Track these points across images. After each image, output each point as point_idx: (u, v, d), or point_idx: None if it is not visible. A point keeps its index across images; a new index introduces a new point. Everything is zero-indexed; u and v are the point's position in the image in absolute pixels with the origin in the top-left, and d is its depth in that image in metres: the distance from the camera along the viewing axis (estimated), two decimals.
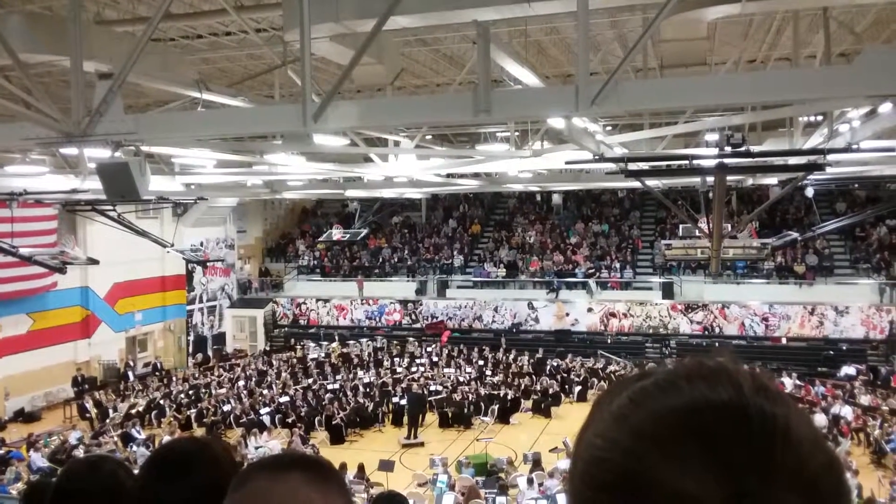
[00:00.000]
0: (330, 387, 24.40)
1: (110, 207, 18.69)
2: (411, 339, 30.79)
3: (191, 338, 31.10)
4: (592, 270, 31.44)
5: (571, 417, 22.26)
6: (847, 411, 20.44)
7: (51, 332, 25.31)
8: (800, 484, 0.69)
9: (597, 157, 13.58)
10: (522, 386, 24.58)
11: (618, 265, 31.48)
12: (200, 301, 31.83)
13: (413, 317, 32.47)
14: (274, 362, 28.64)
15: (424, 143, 18.15)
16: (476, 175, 22.98)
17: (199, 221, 30.11)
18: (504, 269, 32.64)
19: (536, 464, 17.10)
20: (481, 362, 27.30)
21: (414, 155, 17.47)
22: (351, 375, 26.19)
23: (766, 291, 28.85)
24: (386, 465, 16.96)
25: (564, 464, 16.30)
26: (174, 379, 26.26)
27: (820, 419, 19.24)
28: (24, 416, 23.73)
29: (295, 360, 28.67)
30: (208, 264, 28.74)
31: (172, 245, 22.50)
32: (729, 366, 0.76)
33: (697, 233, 18.01)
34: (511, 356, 28.03)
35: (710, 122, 14.11)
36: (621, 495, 0.71)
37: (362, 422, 22.00)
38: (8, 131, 9.05)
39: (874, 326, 27.20)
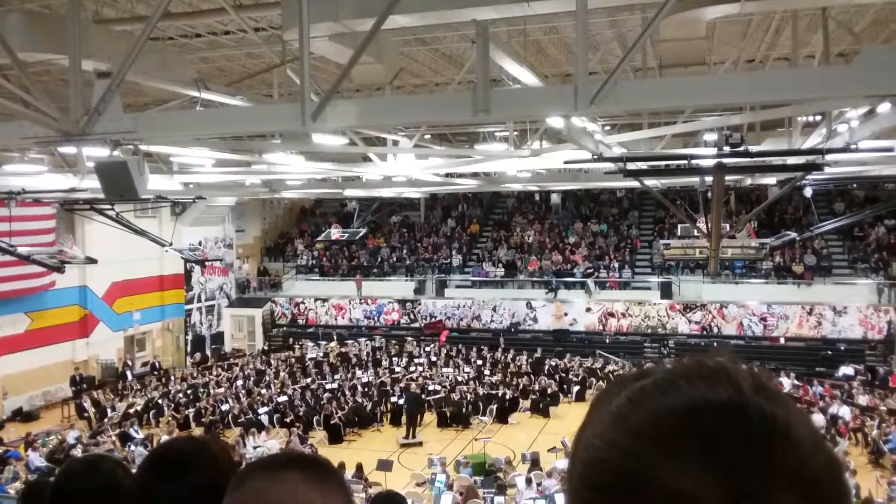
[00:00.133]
0: (328, 386, 24.39)
1: (109, 206, 18.69)
2: (410, 338, 30.78)
3: (189, 337, 31.08)
4: (591, 270, 31.45)
5: (570, 417, 22.27)
6: (845, 411, 20.47)
7: (49, 332, 25.29)
8: (800, 484, 0.68)
9: (595, 157, 13.59)
10: (521, 386, 24.59)
11: (616, 265, 31.50)
12: (199, 300, 31.81)
13: (411, 316, 32.46)
14: (272, 362, 28.62)
15: (423, 143, 18.14)
16: (475, 174, 22.98)
17: (197, 221, 30.09)
18: (503, 269, 32.64)
19: (535, 463, 17.10)
20: (480, 362, 27.31)
21: (413, 154, 17.47)
22: (349, 375, 26.18)
23: (765, 291, 28.87)
24: (384, 465, 16.96)
25: (563, 463, 16.30)
26: (172, 378, 26.24)
27: (818, 419, 19.26)
28: (22, 416, 23.70)
29: (293, 360, 28.67)
30: (207, 264, 28.77)
31: (171, 244, 22.49)
32: (728, 365, 0.75)
33: (696, 232, 18.03)
34: (509, 356, 28.03)
35: (709, 121, 14.12)
36: (620, 496, 0.70)
37: (361, 421, 22.00)
38: (6, 130, 9.04)
39: (872, 326, 27.23)
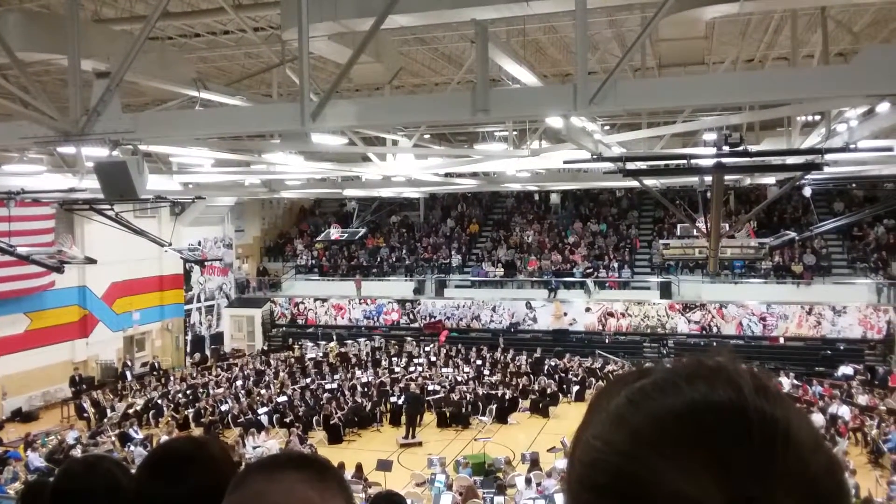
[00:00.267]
0: (328, 386, 24.38)
1: (108, 206, 18.68)
2: (409, 338, 30.77)
3: (188, 337, 31.07)
4: (590, 270, 31.45)
5: (569, 417, 22.27)
6: (844, 411, 20.46)
7: (48, 332, 25.28)
8: (800, 486, 0.68)
9: (595, 157, 13.59)
10: (520, 385, 24.59)
11: (616, 265, 31.50)
12: (198, 300, 31.79)
13: (411, 316, 32.46)
14: (272, 362, 28.62)
15: (422, 143, 18.14)
16: (474, 174, 22.98)
17: (196, 221, 30.07)
18: (502, 269, 32.64)
19: (534, 463, 17.10)
20: (479, 362, 27.30)
21: (412, 154, 17.47)
22: (349, 375, 26.18)
23: (764, 291, 28.88)
24: (384, 465, 16.95)
25: (562, 463, 16.30)
26: (172, 378, 26.23)
27: (817, 419, 19.26)
28: (21, 416, 23.69)
29: (293, 360, 28.67)
30: (206, 264, 28.76)
31: (170, 244, 22.47)
32: (728, 365, 0.75)
33: (695, 232, 18.04)
34: (509, 356, 28.03)
35: (708, 121, 14.12)
36: (619, 499, 0.70)
37: (360, 421, 21.99)
38: (5, 130, 9.03)
39: (872, 326, 27.23)
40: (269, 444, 19.15)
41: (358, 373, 26.44)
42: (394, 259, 34.80)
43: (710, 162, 12.40)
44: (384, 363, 27.73)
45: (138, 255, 26.54)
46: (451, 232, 35.69)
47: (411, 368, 26.93)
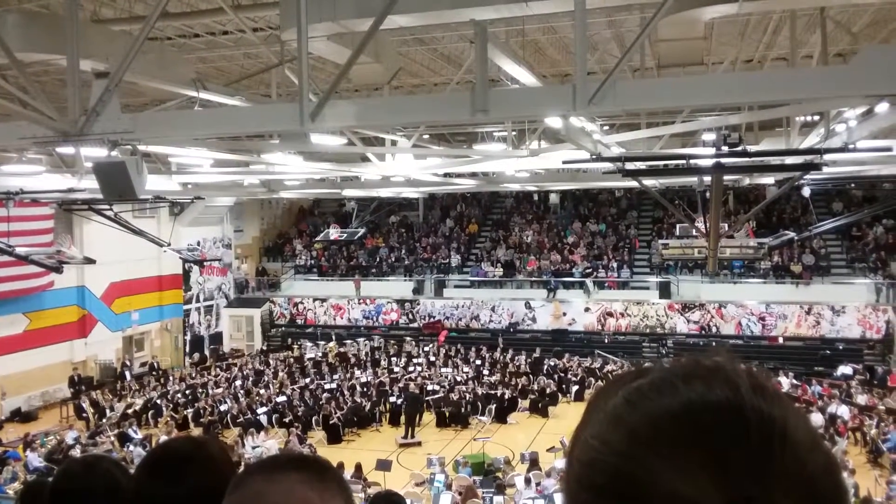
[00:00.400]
0: (327, 386, 24.37)
1: (107, 207, 18.66)
2: (408, 338, 30.77)
3: (188, 337, 31.05)
4: (590, 270, 31.46)
5: (569, 417, 22.28)
6: (844, 411, 20.47)
7: (47, 332, 25.26)
8: (798, 486, 0.68)
9: (594, 157, 13.59)
10: (520, 385, 24.59)
11: (615, 265, 31.51)
12: (197, 300, 31.78)
13: (410, 316, 32.46)
14: (271, 362, 28.61)
15: (421, 143, 18.14)
16: (473, 174, 22.99)
17: (195, 221, 30.06)
18: (501, 269, 32.64)
19: (534, 463, 17.10)
20: (478, 362, 27.30)
21: (411, 154, 17.47)
22: (348, 375, 26.17)
23: (763, 291, 28.89)
24: (383, 465, 16.95)
25: (561, 463, 16.29)
26: (171, 378, 26.21)
27: (817, 419, 19.27)
28: (20, 416, 23.68)
29: (292, 360, 28.66)
30: (205, 264, 28.74)
31: (169, 244, 22.44)
32: (726, 365, 0.75)
33: (694, 232, 18.05)
34: (508, 356, 28.03)
35: (707, 121, 14.13)
36: (617, 499, 0.70)
37: (359, 421, 21.99)
38: (4, 130, 9.03)
39: (871, 326, 27.25)
40: (268, 444, 19.14)
41: (357, 373, 26.44)
42: (393, 259, 34.81)
43: (709, 162, 12.40)
44: (383, 363, 27.73)
45: (137, 256, 26.52)
46: (450, 232, 35.69)
47: (410, 368, 26.93)
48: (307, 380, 25.51)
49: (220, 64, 15.92)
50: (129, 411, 22.13)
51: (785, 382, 23.07)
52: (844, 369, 25.09)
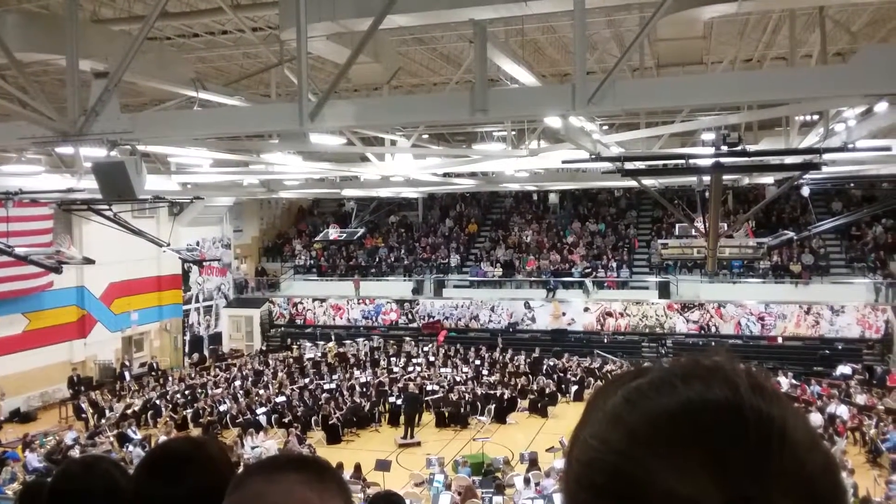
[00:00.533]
0: (326, 386, 24.37)
1: (106, 207, 18.64)
2: (408, 338, 30.77)
3: (187, 338, 31.04)
4: (589, 270, 31.47)
5: (568, 417, 22.28)
6: (843, 411, 20.48)
7: (46, 332, 25.25)
8: (796, 486, 0.68)
9: (593, 157, 13.59)
10: (519, 385, 24.59)
11: (614, 264, 31.51)
12: (197, 301, 31.77)
13: (410, 316, 32.45)
14: (270, 362, 28.60)
15: (421, 143, 18.15)
16: (473, 174, 22.99)
17: (195, 221, 30.05)
18: (501, 269, 32.65)
19: (533, 463, 17.10)
20: (478, 362, 27.30)
21: (410, 154, 17.47)
22: (347, 375, 26.17)
23: (762, 291, 28.90)
24: (382, 465, 16.95)
25: (561, 463, 16.25)
26: (170, 379, 26.21)
27: (816, 418, 19.27)
28: (19, 417, 23.66)
29: (291, 360, 28.65)
30: (204, 264, 28.71)
31: (168, 244, 22.43)
32: (725, 364, 0.75)
33: (694, 232, 18.05)
34: (508, 356, 28.03)
35: (707, 121, 14.14)
36: (616, 498, 0.70)
37: (359, 421, 21.99)
38: (4, 130, 9.02)
39: (870, 326, 27.26)
40: (267, 444, 19.14)
41: (356, 373, 26.44)
42: (392, 259, 34.80)
43: (708, 162, 12.40)
44: (383, 363, 27.73)
45: (136, 256, 26.51)
46: (449, 232, 35.69)
47: (410, 368, 26.92)
48: (306, 380, 25.50)
49: (220, 64, 15.92)
50: (129, 412, 22.12)
51: (784, 382, 23.08)
52: (843, 369, 25.10)
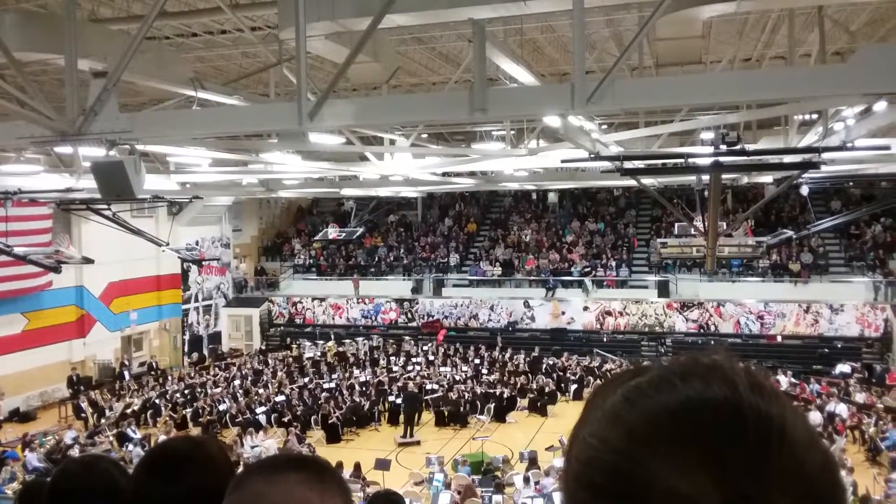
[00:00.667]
0: (326, 386, 24.37)
1: (105, 206, 18.63)
2: (407, 337, 30.78)
3: (186, 337, 31.03)
4: (588, 269, 31.48)
5: (567, 416, 22.28)
6: (842, 409, 20.49)
7: (46, 332, 25.24)
8: (796, 484, 0.68)
9: (592, 156, 13.58)
10: (518, 384, 24.60)
11: (614, 263, 31.52)
12: (196, 300, 31.77)
13: (409, 315, 32.46)
14: (270, 361, 28.60)
15: (420, 142, 18.14)
16: (472, 174, 22.97)
17: (194, 220, 30.04)
18: (500, 268, 32.65)
19: (533, 462, 17.10)
20: (477, 361, 27.30)
21: (409, 153, 17.47)
22: (347, 374, 26.18)
23: (762, 289, 28.92)
24: (382, 464, 16.95)
25: (560, 462, 16.28)
26: (170, 378, 26.20)
27: (815, 417, 19.28)
28: (19, 416, 23.66)
29: (291, 360, 28.65)
30: (204, 263, 28.70)
31: (168, 244, 22.42)
32: (724, 363, 0.75)
33: (693, 231, 18.06)
34: (507, 355, 28.03)
35: (706, 120, 14.14)
36: (615, 497, 0.70)
37: (358, 421, 21.99)
38: (2, 130, 9.02)
39: (869, 324, 27.27)
40: (267, 443, 19.13)
41: (356, 372, 26.44)
42: (392, 258, 34.80)
43: (707, 161, 12.40)
44: (382, 362, 27.73)
45: (136, 255, 26.50)
46: (448, 231, 35.69)
47: (409, 367, 26.93)
48: (306, 379, 25.50)
49: (219, 63, 15.91)
50: (128, 411, 22.12)
51: (783, 381, 23.09)
52: (843, 367, 25.11)
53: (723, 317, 28.99)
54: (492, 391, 23.51)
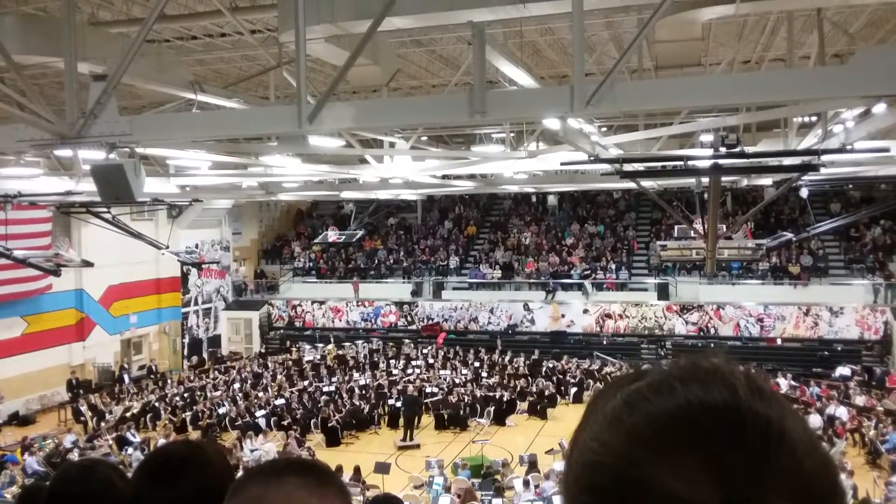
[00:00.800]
0: (326, 389, 24.36)
1: (105, 209, 18.62)
2: (407, 340, 30.77)
3: (186, 340, 31.02)
4: (588, 272, 31.48)
5: (567, 419, 22.26)
6: (842, 412, 20.47)
7: (45, 335, 25.23)
8: (795, 488, 0.68)
9: (592, 158, 13.60)
10: (518, 387, 24.58)
11: (613, 266, 31.52)
12: (195, 303, 31.76)
13: (409, 318, 32.44)
14: (269, 364, 28.59)
15: (420, 145, 18.16)
16: (471, 176, 23.00)
17: (194, 223, 30.05)
18: (500, 271, 32.65)
19: (532, 465, 17.09)
20: (477, 364, 27.29)
21: (409, 156, 17.48)
22: (347, 377, 26.16)
23: (761, 292, 28.91)
24: (382, 468, 16.93)
25: (560, 465, 16.27)
26: (169, 382, 26.19)
27: (815, 420, 19.27)
28: (18, 420, 23.65)
29: (290, 363, 28.64)
30: (203, 266, 28.71)
31: (167, 247, 22.42)
32: (723, 367, 0.75)
33: (693, 234, 18.06)
34: (507, 358, 28.03)
35: (705, 122, 14.14)
36: (617, 501, 0.70)
37: (358, 424, 21.97)
38: (2, 133, 9.02)
39: (868, 327, 27.27)
40: (266, 446, 19.12)
41: (356, 375, 26.42)
42: (391, 261, 34.80)
43: (707, 163, 12.42)
44: (382, 365, 27.72)
45: (135, 258, 26.50)
46: (448, 234, 35.69)
47: (409, 371, 26.91)
48: (306, 382, 25.49)
49: (218, 66, 15.92)
50: (127, 415, 22.10)
51: (783, 384, 23.09)
52: (843, 370, 25.11)
53: (722, 319, 28.99)
54: (492, 394, 23.49)
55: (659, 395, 0.73)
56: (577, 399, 24.32)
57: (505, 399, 23.26)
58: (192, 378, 27.14)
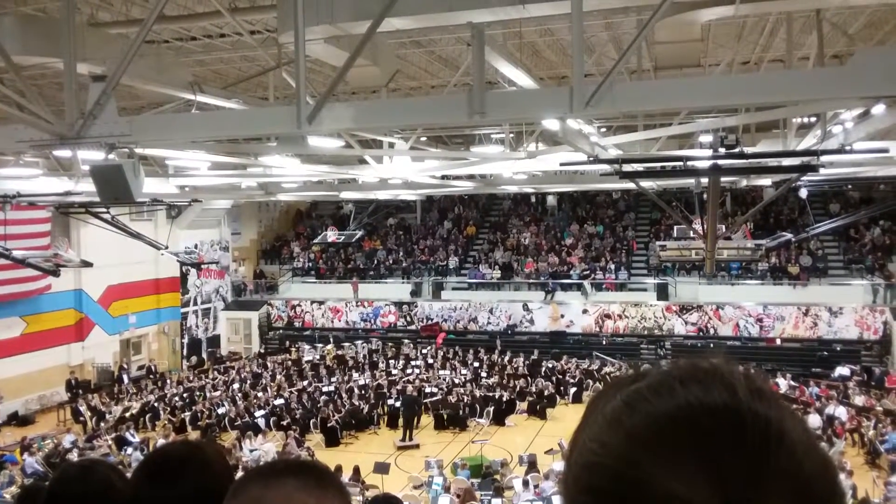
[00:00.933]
0: (325, 389, 24.36)
1: (104, 210, 18.62)
2: (406, 340, 30.76)
3: (185, 340, 31.01)
4: (587, 272, 31.48)
5: (567, 419, 22.27)
6: (841, 412, 20.48)
7: (44, 335, 25.22)
8: (794, 489, 0.68)
9: (591, 159, 13.60)
10: (518, 388, 24.58)
11: (613, 266, 31.52)
12: (195, 303, 31.75)
13: (408, 319, 32.44)
14: (269, 365, 28.58)
15: (419, 145, 18.16)
16: (471, 177, 23.00)
17: (193, 224, 30.04)
18: (499, 271, 32.65)
19: (532, 466, 17.09)
20: (476, 364, 27.30)
21: (408, 157, 17.48)
22: (346, 378, 26.16)
23: (761, 292, 28.92)
24: (381, 468, 16.93)
25: (560, 466, 16.29)
26: (168, 382, 26.18)
27: (814, 420, 19.28)
28: (17, 420, 23.64)
29: (290, 363, 28.63)
30: (203, 266, 28.70)
31: (166, 247, 22.42)
32: (723, 367, 0.75)
33: (692, 234, 18.08)
34: (506, 358, 28.03)
35: (705, 123, 14.16)
36: (616, 501, 0.70)
37: (357, 424, 21.97)
38: (1, 133, 9.02)
39: (868, 327, 27.28)
40: (265, 447, 19.11)
41: (355, 375, 26.42)
42: (391, 261, 34.79)
43: (706, 164, 12.43)
44: (381, 366, 27.72)
45: (134, 259, 26.49)
46: (447, 234, 35.69)
47: (408, 371, 26.91)
48: (305, 382, 25.48)
49: (218, 67, 15.91)
50: (127, 415, 22.09)
51: (783, 384, 23.09)
52: (842, 370, 25.12)
53: (722, 320, 29.00)
54: (491, 394, 23.50)
55: (658, 395, 0.73)
56: (577, 399, 24.33)
57: (504, 399, 23.26)
58: (191, 378, 27.13)
